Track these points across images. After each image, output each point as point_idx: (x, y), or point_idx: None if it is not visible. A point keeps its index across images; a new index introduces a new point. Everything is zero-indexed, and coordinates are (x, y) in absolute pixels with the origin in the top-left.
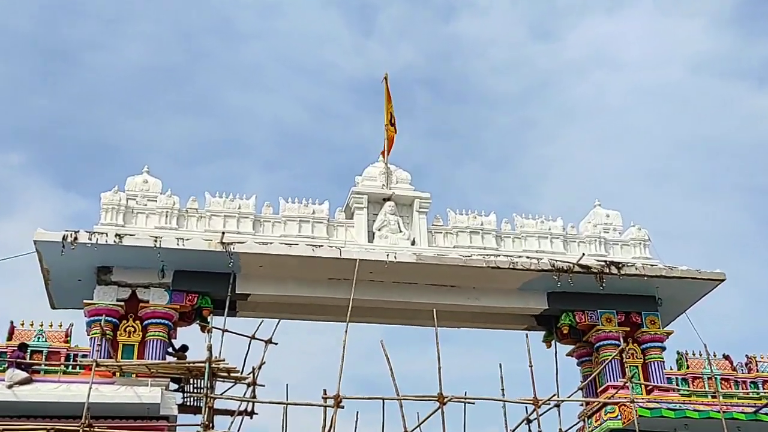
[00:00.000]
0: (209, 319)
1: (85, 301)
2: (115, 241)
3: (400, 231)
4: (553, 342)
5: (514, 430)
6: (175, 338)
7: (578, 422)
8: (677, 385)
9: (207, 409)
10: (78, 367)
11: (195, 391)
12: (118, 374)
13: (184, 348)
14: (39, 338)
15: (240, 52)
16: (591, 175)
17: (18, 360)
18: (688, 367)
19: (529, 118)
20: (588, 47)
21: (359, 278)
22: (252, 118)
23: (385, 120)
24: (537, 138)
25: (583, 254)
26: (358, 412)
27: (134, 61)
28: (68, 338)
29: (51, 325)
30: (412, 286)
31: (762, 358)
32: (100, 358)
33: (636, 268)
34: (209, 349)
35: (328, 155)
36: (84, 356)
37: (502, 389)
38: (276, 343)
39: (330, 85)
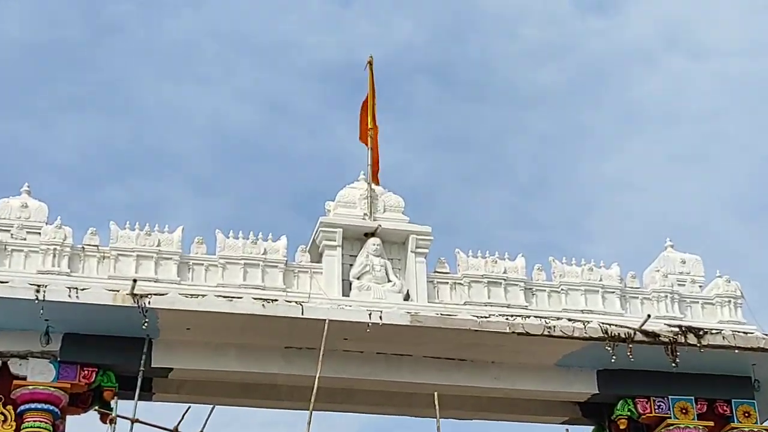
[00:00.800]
0: (113, 403)
1: None
2: None
3: (389, 280)
4: None
5: None
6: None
7: None
8: None
9: None
10: None
11: None
12: None
13: None
14: None
15: (164, 27)
16: (661, 205)
17: None
18: None
19: (576, 122)
20: (657, 25)
21: (330, 347)
22: (180, 118)
23: (369, 122)
24: (586, 152)
25: (649, 316)
26: None
27: (11, 37)
28: None
29: None
30: (406, 359)
31: None
32: None
33: (723, 337)
34: None
35: (286, 171)
36: None
37: None
38: None
39: (291, 73)
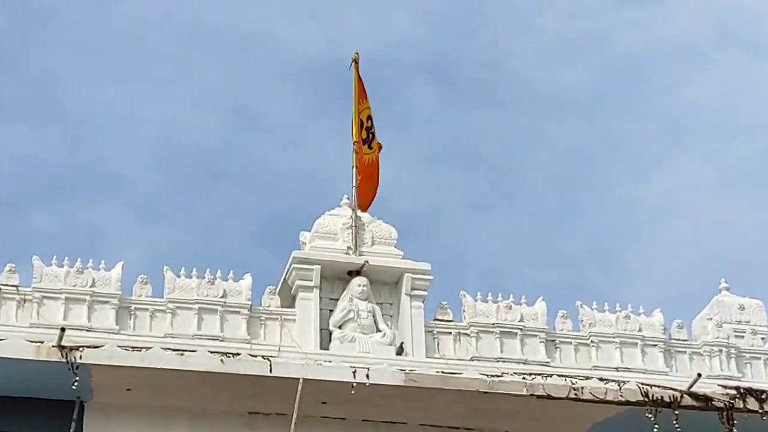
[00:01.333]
0: None
1: None
2: None
3: (378, 330)
4: None
5: None
6: None
7: None
8: None
9: None
10: None
11: None
12: None
13: None
14: None
15: (106, 15)
16: (714, 236)
17: None
18: None
19: (609, 134)
20: (707, 16)
21: (304, 413)
22: (124, 127)
23: (353, 132)
24: (622, 170)
25: (699, 375)
26: None
27: None
28: None
29: None
30: (399, 428)
31: None
32: None
33: None
34: None
35: (253, 194)
36: None
37: None
38: None
39: (262, 73)
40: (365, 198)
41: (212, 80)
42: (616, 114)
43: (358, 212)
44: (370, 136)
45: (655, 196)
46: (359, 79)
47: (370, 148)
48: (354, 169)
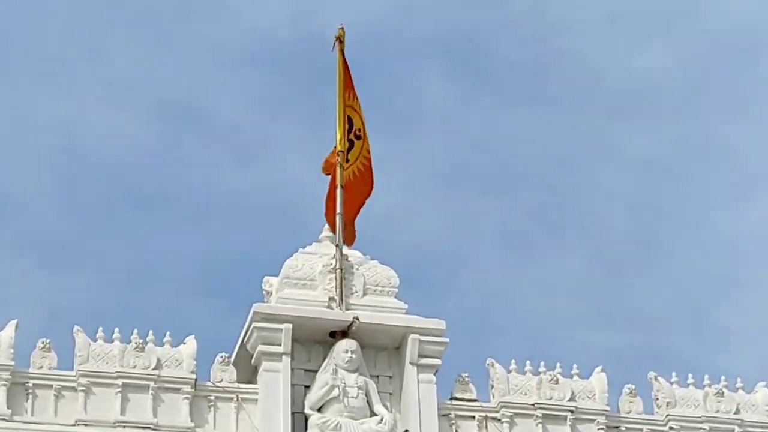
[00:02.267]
0: None
1: None
2: None
3: (372, 413)
4: None
5: None
6: None
7: None
8: None
9: None
10: None
11: None
12: None
13: None
14: None
15: None
16: None
17: None
18: None
19: (703, 139)
20: None
21: None
22: (6, 131)
23: (338, 137)
24: (720, 188)
25: None
26: None
27: None
28: None
29: None
30: None
31: None
32: None
33: None
34: None
35: (197, 226)
36: None
37: None
38: None
39: (200, 53)
40: (349, 230)
41: (134, 67)
42: (710, 113)
43: (346, 249)
44: (357, 141)
45: (762, 224)
46: (345, 64)
47: (347, 160)
48: (339, 191)
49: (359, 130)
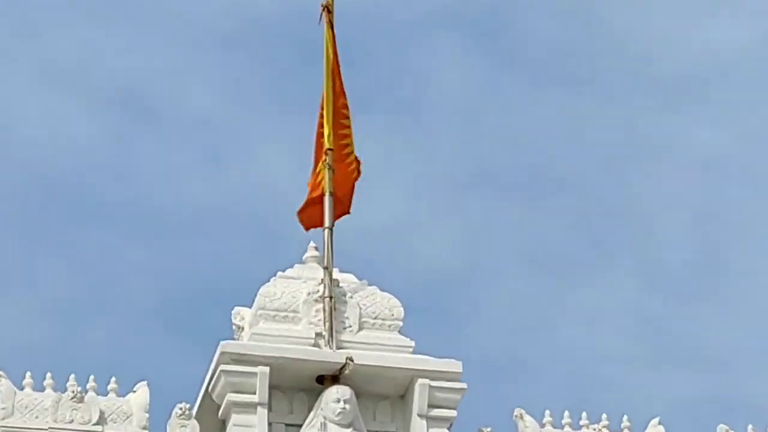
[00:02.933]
0: None
1: None
2: None
3: None
4: None
5: None
6: None
7: None
8: None
9: None
10: None
11: None
12: None
13: None
14: None
15: None
16: None
17: None
18: None
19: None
20: None
21: None
22: None
23: (326, 132)
24: None
25: None
26: None
27: None
28: None
29: None
30: None
31: None
32: None
33: None
34: None
35: (145, 241)
36: None
37: None
38: None
39: (152, 33)
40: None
41: (78, 48)
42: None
43: (337, 272)
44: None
45: None
46: (333, 40)
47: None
48: (328, 198)
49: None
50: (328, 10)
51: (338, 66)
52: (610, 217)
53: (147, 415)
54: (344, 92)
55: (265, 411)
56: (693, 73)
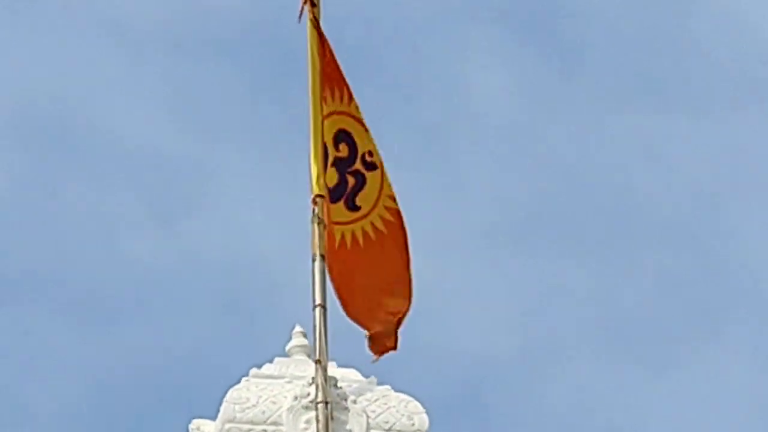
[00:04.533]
0: None
1: None
2: None
3: None
4: None
5: None
6: None
7: None
8: None
9: None
10: None
11: None
12: None
13: None
14: None
15: None
16: None
17: None
18: None
19: None
20: None
21: None
22: None
23: (313, 171)
24: None
25: None
26: None
27: None
28: None
29: None
30: None
31: None
32: None
33: None
34: None
35: (76, 322)
36: None
37: None
38: None
39: (105, 36)
40: (377, 341)
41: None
42: None
43: (334, 368)
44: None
45: None
46: (321, 42)
47: (353, 207)
48: (317, 263)
49: (369, 153)
50: (312, 2)
51: (341, 83)
52: (711, 273)
53: None
54: (351, 98)
55: None
56: None
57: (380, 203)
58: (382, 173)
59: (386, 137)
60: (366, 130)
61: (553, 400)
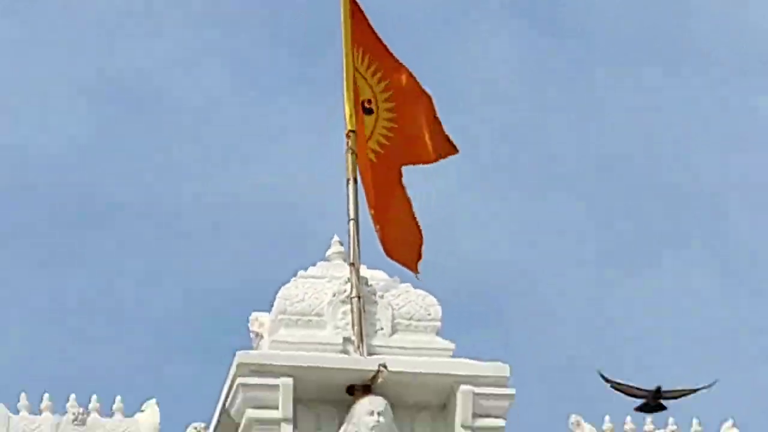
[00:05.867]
0: None
1: None
2: None
3: None
4: None
5: None
6: None
7: None
8: None
9: None
10: None
11: None
12: None
13: None
14: None
15: None
16: None
17: None
18: None
19: None
20: None
21: None
22: None
23: (346, 112)
24: None
25: None
26: None
27: None
28: None
29: None
30: None
31: None
32: None
33: None
34: None
35: (152, 244)
36: None
37: None
38: None
39: (164, 12)
40: (390, 241)
41: (57, 32)
42: None
43: (365, 270)
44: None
45: None
46: (356, 10)
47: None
48: (350, 185)
49: (368, 101)
50: None
51: (373, 37)
52: (686, 205)
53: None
54: (385, 50)
55: (290, 427)
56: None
57: (371, 141)
58: (377, 118)
59: None
60: (368, 83)
61: (547, 297)
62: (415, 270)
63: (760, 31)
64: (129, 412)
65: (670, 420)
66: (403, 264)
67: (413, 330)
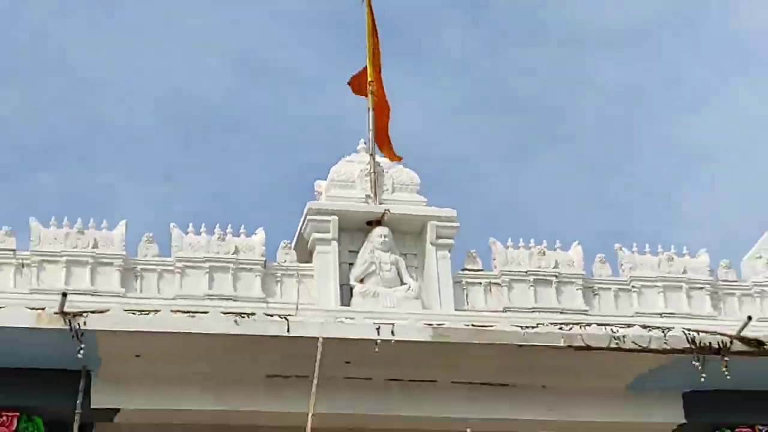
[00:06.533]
0: None
1: None
2: None
3: (402, 282)
4: None
5: None
6: None
7: None
8: None
9: None
10: None
11: None
12: None
13: None
14: None
15: None
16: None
17: None
18: None
19: (665, 69)
20: None
21: (326, 374)
22: (120, 80)
23: (369, 73)
24: (673, 106)
25: (750, 318)
26: None
27: None
28: None
29: None
30: (428, 387)
31: None
32: None
33: None
34: None
35: (264, 146)
36: None
37: None
38: None
39: (268, 17)
40: (386, 149)
41: (214, 27)
42: (672, 45)
43: (378, 157)
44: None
45: (709, 131)
46: (372, 13)
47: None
48: (370, 112)
49: (370, 82)
50: None
51: (375, 32)
52: (551, 124)
53: (264, 248)
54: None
55: (336, 243)
56: (615, 29)
57: (380, 84)
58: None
59: (403, 63)
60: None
61: (479, 178)
62: (398, 159)
63: None
64: (249, 234)
65: (544, 242)
66: (391, 158)
67: (404, 190)
